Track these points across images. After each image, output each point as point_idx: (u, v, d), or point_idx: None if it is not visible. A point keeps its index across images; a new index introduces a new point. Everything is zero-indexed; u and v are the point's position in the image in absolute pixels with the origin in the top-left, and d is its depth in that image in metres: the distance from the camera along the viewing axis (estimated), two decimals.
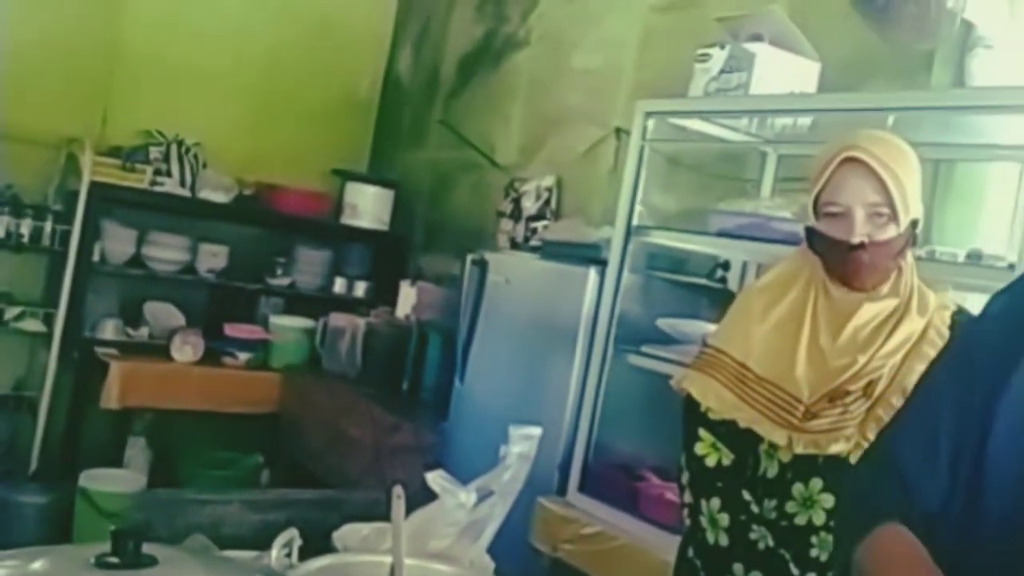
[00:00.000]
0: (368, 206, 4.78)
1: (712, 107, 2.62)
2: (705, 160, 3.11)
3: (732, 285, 2.84)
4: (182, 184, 4.43)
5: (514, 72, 4.29)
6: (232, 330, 4.33)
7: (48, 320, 4.13)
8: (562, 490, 2.71)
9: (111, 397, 3.96)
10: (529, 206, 3.88)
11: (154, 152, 4.40)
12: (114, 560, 1.00)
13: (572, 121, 3.86)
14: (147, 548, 1.04)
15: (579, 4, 3.97)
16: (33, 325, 4.14)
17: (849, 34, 2.62)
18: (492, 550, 1.50)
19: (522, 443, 1.48)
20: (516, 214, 3.93)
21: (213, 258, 4.49)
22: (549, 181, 3.84)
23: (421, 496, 1.45)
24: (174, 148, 4.45)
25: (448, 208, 4.60)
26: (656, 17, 3.57)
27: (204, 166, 4.52)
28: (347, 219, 4.78)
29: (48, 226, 4.15)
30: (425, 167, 4.79)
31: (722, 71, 2.58)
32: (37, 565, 1.01)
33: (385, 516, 1.44)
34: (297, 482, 3.82)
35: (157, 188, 4.35)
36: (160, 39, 4.53)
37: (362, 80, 5.17)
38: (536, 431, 1.48)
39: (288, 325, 4.46)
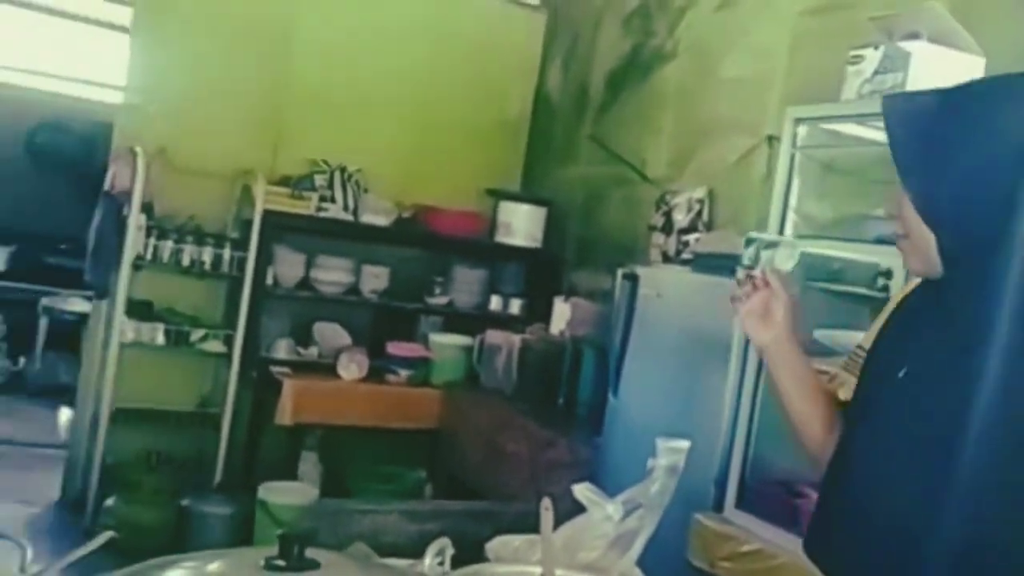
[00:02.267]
0: (521, 224, 4.86)
1: (866, 110, 2.53)
2: (861, 165, 3.01)
3: (895, 293, 2.72)
4: (345, 209, 4.65)
5: (662, 85, 4.28)
6: (394, 348, 4.50)
7: (228, 341, 4.41)
8: (719, 506, 2.67)
9: (285, 413, 4.18)
10: (680, 219, 3.85)
11: (319, 180, 4.64)
12: (281, 563, 1.08)
13: (722, 131, 3.81)
14: (311, 553, 1.12)
15: (727, 13, 3.92)
16: (215, 346, 4.43)
17: (1016, 27, 2.49)
18: (644, 564, 1.50)
19: (670, 456, 1.48)
20: (667, 227, 3.91)
21: (375, 279, 4.68)
22: (700, 193, 3.80)
23: (574, 509, 1.47)
24: (337, 175, 4.68)
25: (600, 223, 4.62)
26: (806, 21, 3.48)
27: (365, 191, 4.73)
28: (501, 238, 4.88)
29: (227, 253, 4.44)
30: (576, 183, 4.84)
31: (876, 72, 2.49)
32: (214, 566, 1.10)
33: (536, 528, 1.47)
34: (457, 496, 3.91)
35: (323, 214, 4.58)
36: (325, 73, 4.78)
37: (513, 100, 5.28)
38: (684, 444, 1.48)
39: (447, 343, 4.59)
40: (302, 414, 4.24)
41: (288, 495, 3.95)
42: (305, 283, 4.60)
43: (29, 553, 1.08)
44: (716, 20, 3.98)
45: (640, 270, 3.29)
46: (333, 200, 4.63)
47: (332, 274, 4.61)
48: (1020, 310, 1.16)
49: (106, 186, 4.40)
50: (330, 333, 4.66)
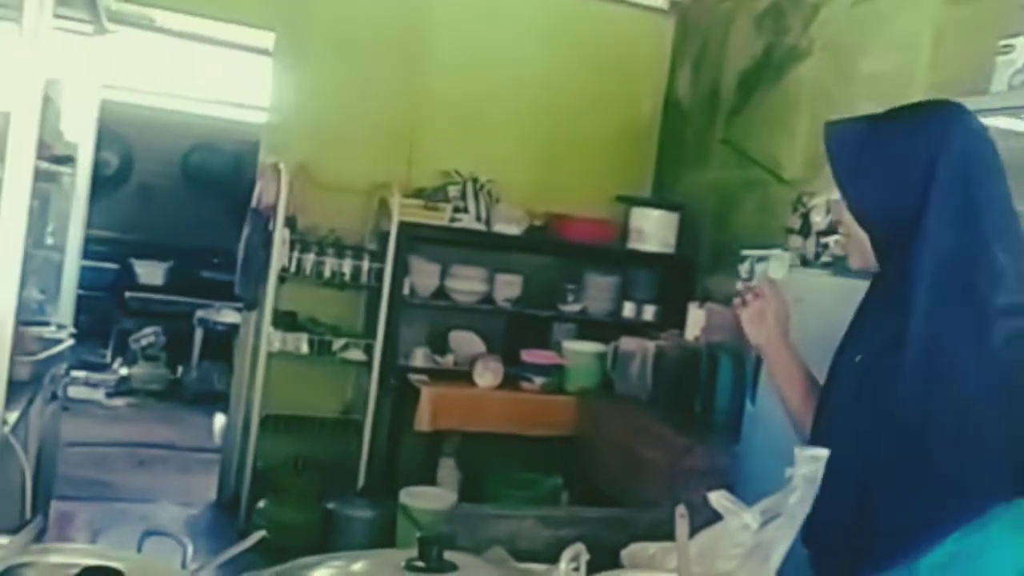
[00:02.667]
0: (653, 230, 4.83)
1: (1018, 102, 2.40)
2: (1014, 160, 2.85)
3: None
4: (478, 219, 4.73)
5: (797, 84, 4.17)
6: (528, 356, 4.54)
7: (368, 350, 4.56)
8: None
9: (423, 420, 4.28)
10: (819, 221, 3.73)
11: (452, 191, 4.74)
12: (421, 564, 1.12)
13: None
14: (450, 556, 1.15)
15: (865, 7, 3.79)
16: (356, 355, 4.58)
17: None
18: (783, 574, 1.47)
19: (809, 465, 1.44)
20: (805, 230, 3.80)
21: (509, 287, 4.74)
22: (839, 194, 3.68)
23: (712, 518, 1.46)
24: (470, 186, 4.76)
25: (734, 227, 4.54)
26: (950, 10, 3.33)
27: (497, 201, 4.80)
28: (633, 244, 4.86)
29: (365, 264, 4.59)
30: (709, 188, 4.77)
31: None
32: (358, 566, 1.15)
33: (672, 536, 1.46)
34: (594, 503, 3.91)
35: (456, 224, 4.67)
36: (456, 86, 4.89)
37: (643, 105, 5.25)
38: (823, 452, 1.44)
39: (580, 350, 4.60)
40: (440, 421, 4.33)
41: (427, 500, 4.04)
42: (440, 292, 4.70)
43: (190, 550, 1.16)
44: (853, 15, 3.85)
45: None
46: (466, 210, 4.72)
47: (466, 283, 4.69)
48: (938, 296, 1.41)
49: (253, 203, 4.62)
50: (465, 341, 4.74)
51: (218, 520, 4.70)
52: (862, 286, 2.75)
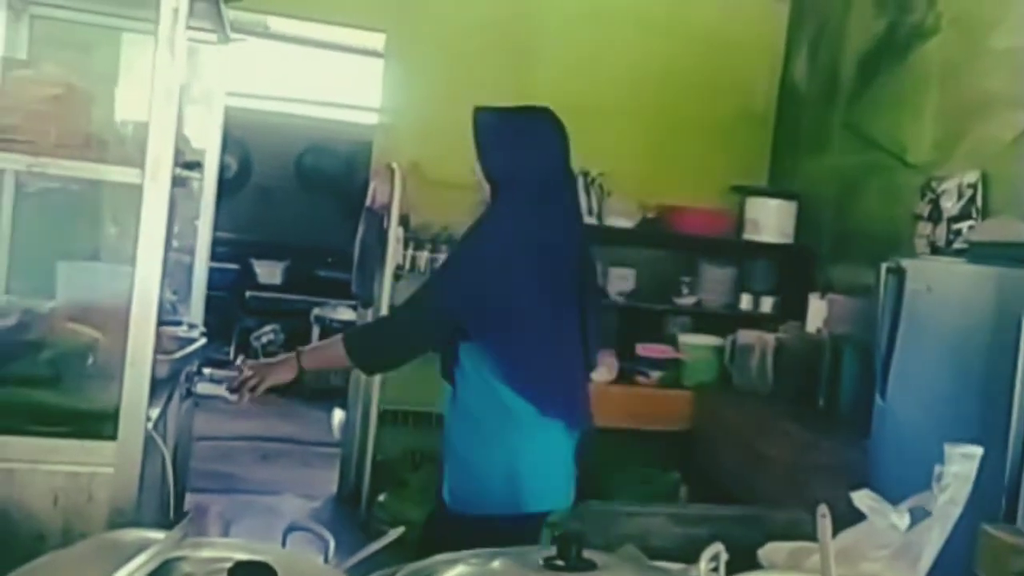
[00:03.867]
0: (770, 220, 4.71)
1: None
2: None
3: None
4: (590, 212, 4.69)
5: (923, 63, 3.99)
6: (643, 350, 4.49)
7: None
8: (1010, 517, 2.45)
9: None
10: (950, 206, 3.58)
11: None
12: (559, 563, 1.10)
13: (996, 108, 3.50)
14: (587, 554, 1.14)
15: None
16: None
17: None
18: None
19: (960, 463, 1.38)
20: (935, 216, 3.65)
21: (622, 281, 4.70)
22: (972, 177, 3.51)
23: (846, 517, 1.40)
24: (580, 179, 4.72)
25: (856, 215, 4.38)
26: None
27: (609, 194, 4.76)
28: (749, 234, 4.76)
29: None
30: (828, 174, 4.62)
31: None
32: (496, 564, 1.14)
33: (808, 535, 1.41)
34: (713, 499, 3.84)
35: None
36: (565, 79, 4.86)
37: (757, 91, 5.12)
38: (977, 450, 1.37)
39: (696, 343, 4.52)
40: None
41: None
42: None
43: (332, 545, 1.17)
44: None
45: (906, 263, 3.08)
46: None
47: None
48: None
49: (367, 202, 4.70)
50: None
51: (339, 513, 4.81)
52: (1005, 274, 2.62)
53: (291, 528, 1.28)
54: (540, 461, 2.27)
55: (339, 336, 2.38)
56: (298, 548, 1.21)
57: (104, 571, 0.99)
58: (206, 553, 1.07)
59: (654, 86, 4.92)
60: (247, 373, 2.39)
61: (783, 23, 5.11)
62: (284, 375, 2.38)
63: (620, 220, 4.68)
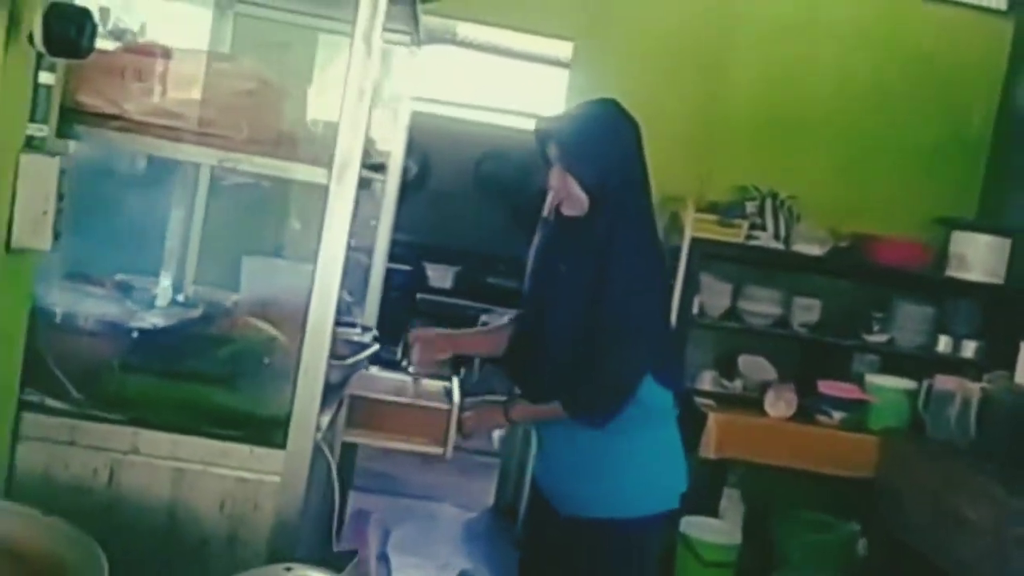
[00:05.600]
0: (979, 256, 4.30)
1: None
2: None
3: None
4: (776, 237, 4.43)
5: None
6: (826, 387, 4.18)
7: None
8: None
9: (708, 447, 4.06)
10: None
11: (750, 206, 4.47)
12: None
13: None
14: None
15: None
16: None
17: None
18: None
19: None
20: None
21: (806, 312, 4.41)
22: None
23: None
24: (768, 202, 4.47)
25: None
26: None
27: (798, 219, 4.47)
28: (953, 271, 4.36)
29: None
30: None
31: None
32: None
33: None
34: (897, 557, 3.52)
35: (752, 242, 4.40)
36: (759, 96, 4.62)
37: (971, 116, 4.70)
38: None
39: (886, 385, 4.18)
40: (725, 449, 4.09)
41: (711, 532, 3.83)
42: (732, 313, 4.44)
43: None
44: None
45: None
46: (764, 228, 4.43)
47: (760, 305, 4.41)
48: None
49: (544, 212, 4.59)
50: (756, 367, 4.45)
51: (494, 526, 4.74)
52: None
53: (462, 574, 1.16)
54: (675, 455, 2.45)
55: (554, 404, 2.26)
56: None
57: None
58: None
59: (857, 104, 4.60)
60: (468, 426, 2.38)
61: (1006, 42, 4.67)
62: (495, 426, 2.63)
63: (809, 247, 4.38)
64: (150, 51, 1.87)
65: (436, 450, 2.26)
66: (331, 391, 2.06)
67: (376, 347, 2.73)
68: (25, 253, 1.62)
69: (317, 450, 1.80)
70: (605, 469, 2.25)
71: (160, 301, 2.68)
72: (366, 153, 1.95)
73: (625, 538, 2.24)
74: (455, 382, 2.61)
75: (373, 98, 1.78)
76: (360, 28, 1.68)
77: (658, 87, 4.60)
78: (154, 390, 1.88)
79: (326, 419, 1.92)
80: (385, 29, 2.74)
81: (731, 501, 4.23)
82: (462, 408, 2.31)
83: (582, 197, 2.26)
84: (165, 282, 2.80)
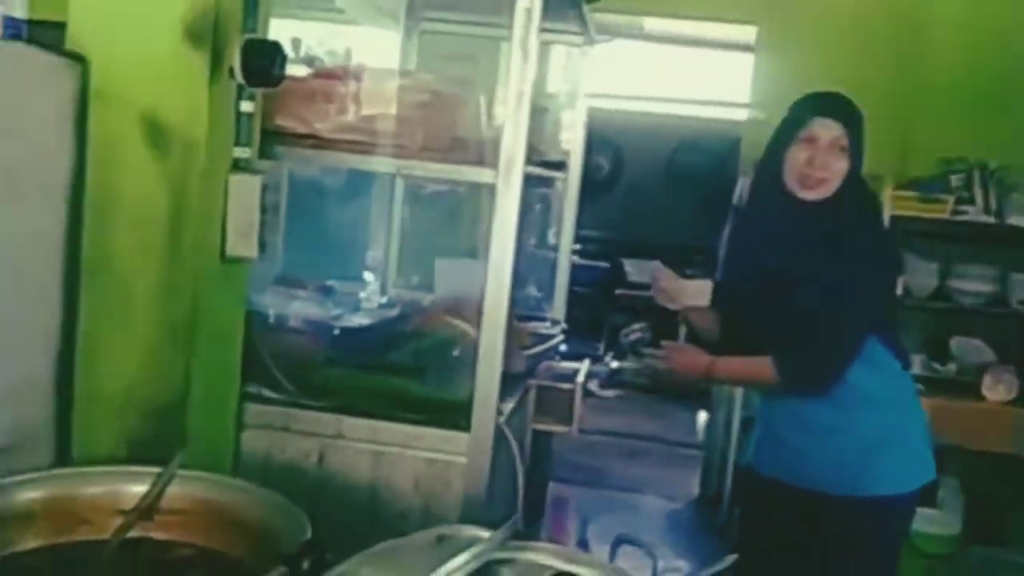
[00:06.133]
0: None
1: None
2: None
3: None
4: (987, 211, 4.15)
5: None
6: None
7: None
8: None
9: None
10: None
11: (955, 180, 4.22)
12: None
13: None
14: None
15: None
16: None
17: None
18: None
19: None
20: None
21: None
22: None
23: None
24: (976, 174, 4.20)
25: None
26: None
27: (1011, 190, 4.18)
28: None
29: None
30: None
31: None
32: None
33: None
34: None
35: (959, 217, 4.15)
36: (963, 62, 4.35)
37: None
38: None
39: None
40: (940, 435, 3.87)
41: (928, 523, 3.67)
42: (940, 293, 4.22)
43: (659, 565, 1.11)
44: None
45: None
46: (972, 201, 4.17)
47: (972, 283, 4.16)
48: None
49: (734, 200, 4.55)
50: (971, 348, 4.21)
51: (699, 516, 4.73)
52: None
53: (620, 540, 1.24)
54: (922, 426, 2.27)
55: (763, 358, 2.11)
56: (627, 565, 1.16)
57: (432, 565, 1.01)
58: (530, 556, 1.06)
59: None
60: (668, 361, 2.34)
61: None
62: (693, 370, 2.29)
63: None
64: (336, 74, 2.06)
65: (562, 428, 2.31)
66: (515, 379, 2.18)
67: (561, 338, 2.82)
68: (238, 261, 1.84)
69: (500, 434, 1.91)
70: (860, 444, 2.11)
71: (367, 303, 2.91)
72: (538, 152, 2.06)
73: (884, 518, 2.12)
74: (585, 364, 2.65)
75: (554, 99, 1.87)
76: (517, 35, 1.78)
77: (848, 62, 4.43)
78: (356, 381, 2.08)
79: (509, 405, 2.03)
80: (557, 31, 2.85)
81: (949, 491, 4.01)
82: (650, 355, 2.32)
83: (841, 176, 2.14)
84: (372, 285, 3.04)
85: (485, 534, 1.08)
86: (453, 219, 3.39)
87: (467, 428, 1.90)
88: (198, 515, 1.48)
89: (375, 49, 3.27)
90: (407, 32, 3.16)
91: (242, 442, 1.99)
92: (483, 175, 1.80)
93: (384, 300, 3.06)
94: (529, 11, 1.73)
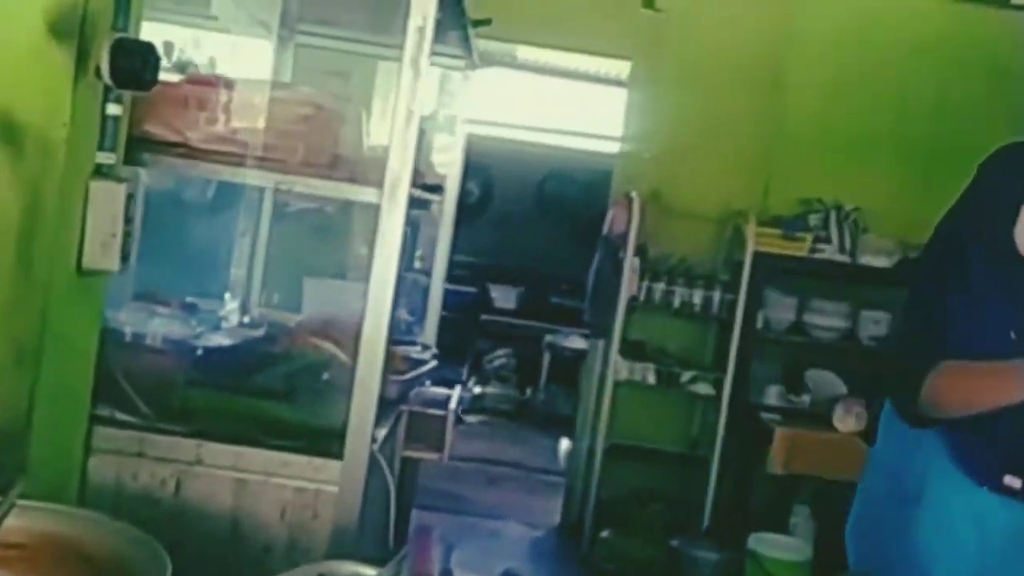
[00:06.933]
0: None
1: None
2: None
3: None
4: (841, 250, 4.38)
5: None
6: None
7: (717, 384, 4.37)
8: None
9: (776, 462, 4.02)
10: None
11: (813, 219, 4.43)
12: None
13: None
14: None
15: None
16: (704, 389, 4.41)
17: None
18: None
19: None
20: None
21: (875, 325, 4.35)
22: None
23: None
24: (833, 214, 4.42)
25: None
26: None
27: (864, 231, 4.41)
28: None
29: (716, 295, 4.42)
30: None
31: None
32: None
33: None
34: None
35: (817, 255, 4.35)
36: (819, 109, 4.59)
37: None
38: None
39: None
40: (794, 464, 4.04)
41: (780, 549, 3.78)
42: (797, 327, 4.40)
43: None
44: None
45: None
46: (828, 240, 4.39)
47: (826, 319, 4.37)
48: None
49: (604, 230, 4.63)
50: (824, 381, 4.40)
51: (561, 545, 4.74)
52: None
53: (507, 573, 1.19)
54: None
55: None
56: None
57: None
58: None
59: (920, 113, 4.53)
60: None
61: None
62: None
63: (876, 259, 4.32)
64: (211, 82, 1.96)
65: (433, 455, 2.27)
66: (388, 405, 2.11)
67: (434, 363, 2.77)
68: (95, 274, 1.71)
69: (373, 461, 1.85)
70: None
71: (227, 322, 2.78)
72: (421, 173, 2.01)
73: None
74: (457, 390, 2.59)
75: (431, 122, 1.84)
76: (408, 53, 1.74)
77: (718, 102, 4.61)
78: (217, 404, 1.96)
79: (382, 432, 1.96)
80: (440, 54, 2.81)
81: (801, 518, 4.17)
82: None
83: None
84: (232, 304, 2.90)
85: (370, 571, 1.01)
86: (320, 238, 3.30)
87: (338, 455, 1.82)
88: (41, 549, 1.35)
89: (248, 59, 3.16)
90: (282, 43, 3.06)
91: (90, 469, 1.84)
92: (367, 194, 1.75)
93: (247, 319, 2.93)
94: (422, 30, 1.69)
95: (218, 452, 1.85)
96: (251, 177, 1.85)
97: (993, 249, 1.72)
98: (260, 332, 2.61)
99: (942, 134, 4.53)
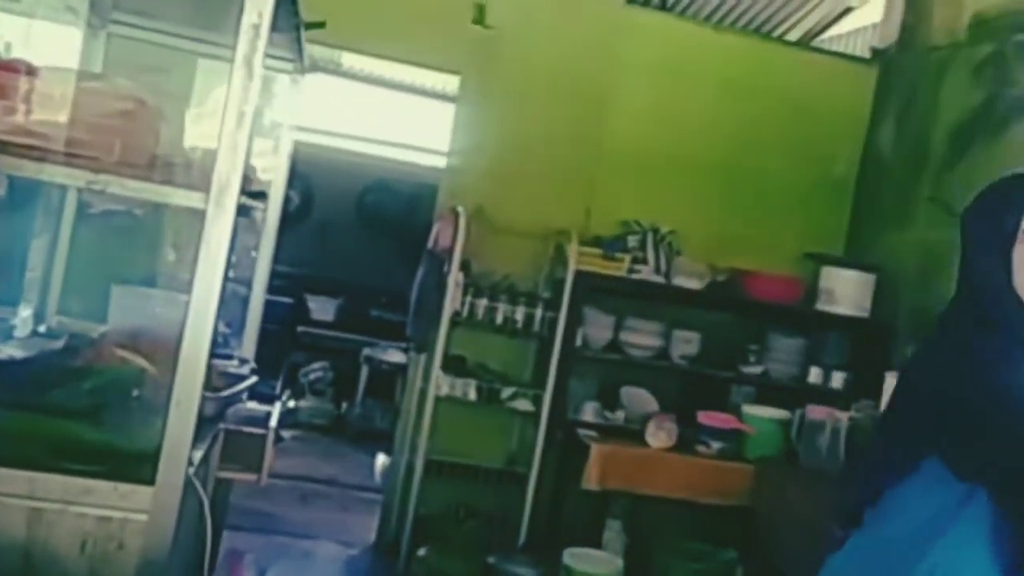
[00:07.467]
0: (846, 291, 4.50)
1: None
2: None
3: None
4: (657, 271, 4.53)
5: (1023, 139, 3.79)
6: (705, 418, 4.28)
7: (536, 401, 4.41)
8: None
9: (591, 478, 4.08)
10: None
11: (632, 241, 4.56)
12: None
13: None
14: None
15: None
16: (524, 405, 4.44)
17: None
18: None
19: None
20: None
21: (686, 344, 4.51)
22: None
23: None
24: (650, 236, 4.58)
25: (939, 292, 4.14)
26: None
27: (678, 253, 4.59)
28: (823, 305, 4.55)
29: (538, 313, 4.46)
30: (911, 248, 4.40)
31: None
32: None
33: None
34: None
35: (634, 276, 4.49)
36: (639, 134, 4.75)
37: (838, 159, 4.94)
38: None
39: (761, 415, 4.30)
40: (608, 480, 4.12)
41: (593, 563, 3.84)
42: (614, 345, 4.51)
43: None
44: None
45: None
46: (645, 262, 4.53)
47: (641, 337, 4.50)
48: None
49: (429, 244, 4.59)
50: (638, 398, 4.53)
51: (377, 563, 4.64)
52: None
53: None
54: None
55: None
56: None
57: None
58: None
59: (733, 145, 4.78)
60: None
61: (870, 89, 4.94)
62: None
63: (688, 281, 4.50)
64: (15, 68, 1.78)
65: (250, 477, 2.16)
66: (205, 424, 1.98)
67: (254, 379, 2.64)
68: None
69: (189, 486, 1.72)
70: None
71: (19, 332, 2.54)
72: (246, 180, 1.90)
73: None
74: (277, 406, 2.44)
75: (254, 125, 1.73)
76: (241, 51, 1.64)
77: (544, 121, 4.68)
78: (9, 424, 1.77)
79: (199, 453, 1.83)
80: (268, 56, 2.69)
81: (614, 532, 4.26)
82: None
83: None
84: (25, 311, 2.65)
85: None
86: (128, 242, 3.08)
87: (149, 480, 1.68)
88: None
89: (52, 47, 2.92)
90: (92, 32, 2.85)
91: None
92: (192, 199, 1.63)
93: (43, 329, 2.69)
94: (257, 27, 1.59)
95: (9, 478, 1.66)
96: (60, 175, 1.68)
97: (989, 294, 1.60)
98: (59, 343, 2.40)
99: (749, 165, 4.80)
